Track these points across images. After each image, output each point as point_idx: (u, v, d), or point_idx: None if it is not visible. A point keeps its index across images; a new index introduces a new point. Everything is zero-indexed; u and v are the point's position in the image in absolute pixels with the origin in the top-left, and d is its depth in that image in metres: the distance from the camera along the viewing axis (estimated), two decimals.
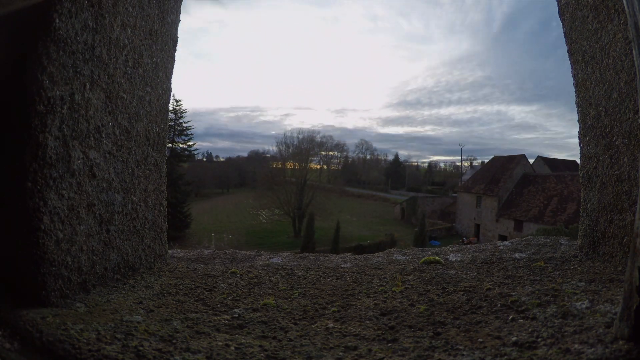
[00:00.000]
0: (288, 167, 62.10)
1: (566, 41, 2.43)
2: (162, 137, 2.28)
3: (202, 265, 2.49)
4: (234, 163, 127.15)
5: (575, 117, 2.43)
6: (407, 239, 41.16)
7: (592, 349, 1.20)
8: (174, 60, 2.35)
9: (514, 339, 1.34)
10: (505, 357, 1.24)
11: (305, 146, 59.68)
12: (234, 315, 1.65)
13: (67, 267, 1.61)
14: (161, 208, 2.32)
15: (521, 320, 1.49)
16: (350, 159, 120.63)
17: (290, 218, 51.52)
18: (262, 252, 3.04)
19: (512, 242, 2.96)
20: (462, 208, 50.71)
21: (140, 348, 1.29)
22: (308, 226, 38.32)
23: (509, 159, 49.35)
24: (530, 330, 1.40)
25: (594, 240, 2.27)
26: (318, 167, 71.71)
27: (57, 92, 1.54)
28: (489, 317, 1.55)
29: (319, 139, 65.75)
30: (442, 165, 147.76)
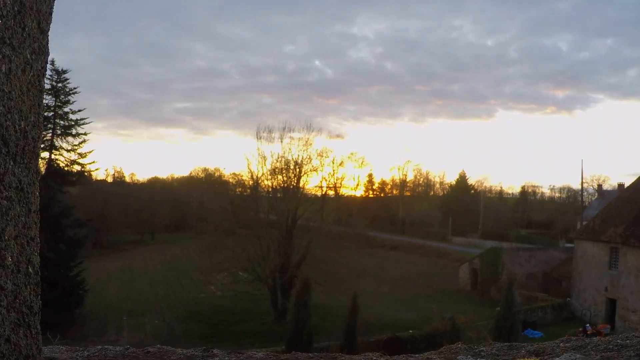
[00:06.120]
0: (264, 194, 61.78)
1: None
2: (31, 140, 2.29)
3: None
4: (164, 187, 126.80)
5: None
6: (483, 327, 40.82)
7: None
8: None
9: None
10: None
11: (297, 156, 58.89)
12: None
13: None
14: (29, 269, 2.31)
15: None
16: (377, 181, 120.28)
17: (268, 288, 51.15)
18: (215, 350, 3.02)
19: None
20: (584, 270, 50.51)
21: None
22: (300, 303, 38.06)
23: None
24: None
25: None
26: (319, 192, 71.43)
27: None
28: None
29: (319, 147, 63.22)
30: (545, 191, 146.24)
